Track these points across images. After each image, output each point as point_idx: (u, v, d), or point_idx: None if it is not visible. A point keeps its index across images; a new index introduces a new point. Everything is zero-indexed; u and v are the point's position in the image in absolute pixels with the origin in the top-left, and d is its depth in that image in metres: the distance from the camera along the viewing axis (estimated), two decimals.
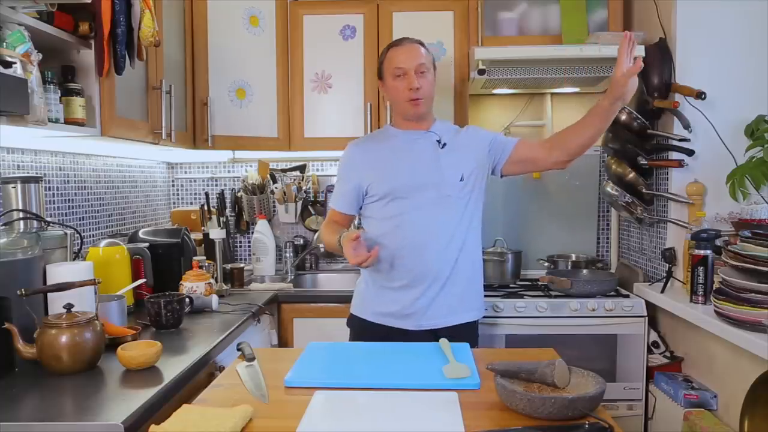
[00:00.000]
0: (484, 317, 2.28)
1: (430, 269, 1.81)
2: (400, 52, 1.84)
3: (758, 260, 1.65)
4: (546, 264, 2.74)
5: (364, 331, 1.89)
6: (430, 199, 1.82)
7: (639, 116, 2.33)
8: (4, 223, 1.65)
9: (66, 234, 1.73)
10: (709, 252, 1.98)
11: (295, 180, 3.01)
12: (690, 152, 2.23)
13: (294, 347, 2.39)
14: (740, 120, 2.16)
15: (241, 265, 2.68)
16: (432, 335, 1.77)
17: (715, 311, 1.80)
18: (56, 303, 1.49)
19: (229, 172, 3.09)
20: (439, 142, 1.88)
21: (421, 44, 1.87)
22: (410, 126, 1.91)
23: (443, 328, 1.81)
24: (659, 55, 2.29)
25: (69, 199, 2.16)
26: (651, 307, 2.32)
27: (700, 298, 2.00)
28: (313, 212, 3.04)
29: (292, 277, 2.83)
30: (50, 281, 1.54)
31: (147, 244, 2.12)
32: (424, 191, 1.82)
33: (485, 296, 2.37)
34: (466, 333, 1.83)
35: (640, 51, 2.32)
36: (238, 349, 1.50)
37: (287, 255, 2.90)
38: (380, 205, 1.86)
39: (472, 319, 1.91)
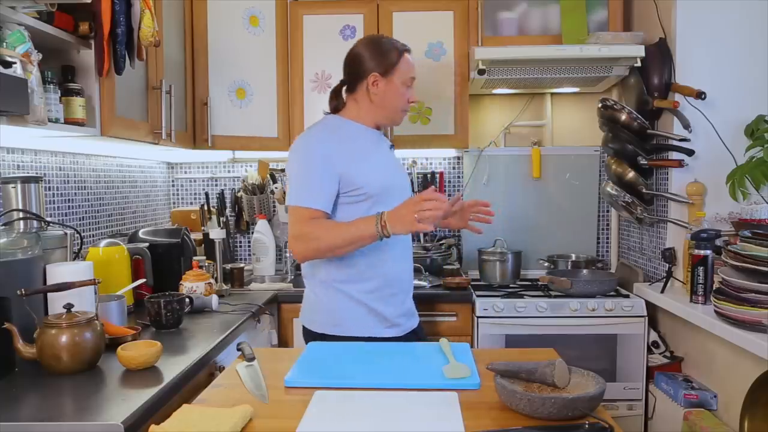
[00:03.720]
0: (484, 317, 2.30)
1: (399, 276, 1.80)
2: (411, 62, 1.82)
3: (758, 260, 1.65)
4: (546, 264, 2.74)
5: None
6: (398, 203, 1.65)
7: (639, 116, 2.33)
8: (4, 223, 1.65)
9: (66, 234, 1.73)
10: (709, 252, 1.98)
11: None
12: (690, 152, 2.23)
13: (294, 347, 2.39)
14: (740, 120, 2.16)
15: (241, 265, 2.68)
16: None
17: (715, 311, 1.80)
18: (56, 303, 1.49)
19: (229, 172, 3.09)
20: (391, 147, 1.91)
21: None
22: (373, 126, 1.84)
23: (410, 332, 1.84)
24: (659, 55, 2.29)
25: (69, 199, 2.16)
26: (651, 307, 2.32)
27: (700, 298, 2.00)
28: None
29: (292, 277, 2.83)
30: (50, 281, 1.53)
31: (147, 244, 2.12)
32: (395, 194, 1.76)
33: (485, 296, 2.40)
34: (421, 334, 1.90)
35: (639, 51, 2.33)
36: (238, 349, 1.50)
37: (287, 255, 2.90)
38: (358, 207, 1.72)
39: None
